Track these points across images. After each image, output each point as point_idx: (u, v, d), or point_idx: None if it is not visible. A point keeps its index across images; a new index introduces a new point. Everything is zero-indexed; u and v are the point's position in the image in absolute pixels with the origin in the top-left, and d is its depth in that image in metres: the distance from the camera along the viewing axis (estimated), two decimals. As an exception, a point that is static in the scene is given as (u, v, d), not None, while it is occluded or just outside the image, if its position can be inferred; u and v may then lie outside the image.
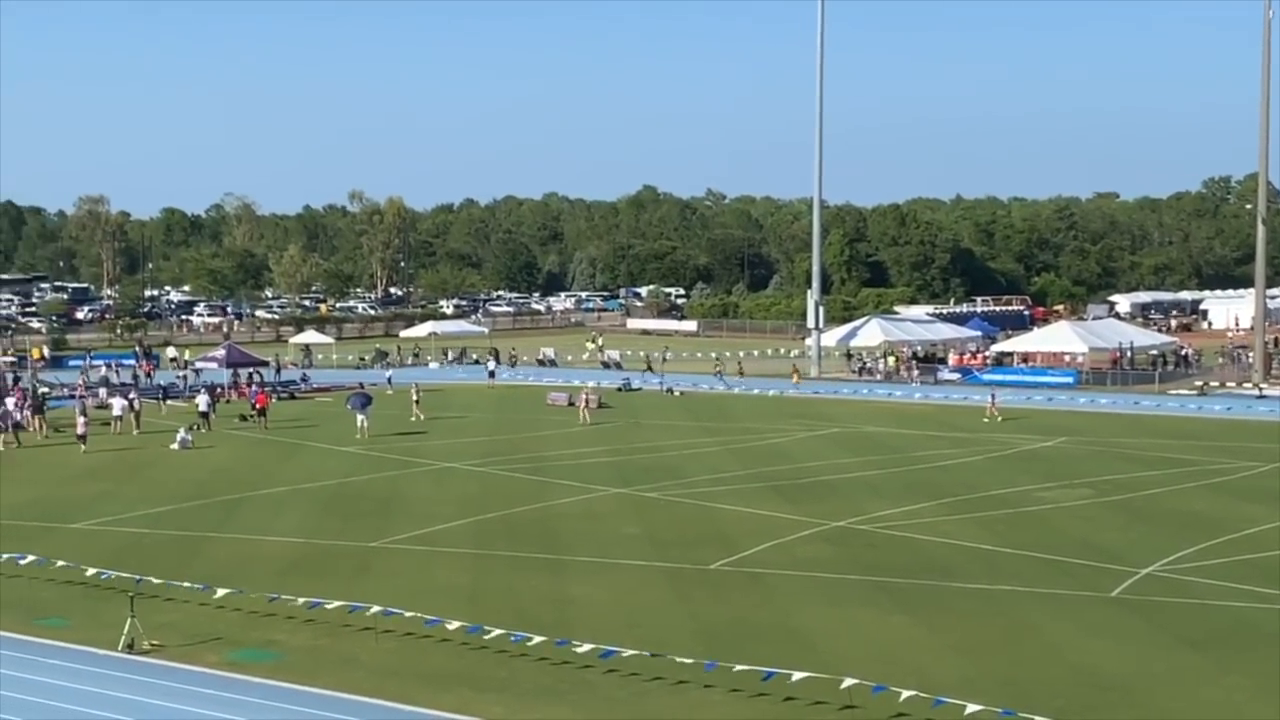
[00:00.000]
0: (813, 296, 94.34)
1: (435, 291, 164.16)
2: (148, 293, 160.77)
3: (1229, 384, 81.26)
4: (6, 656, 27.58)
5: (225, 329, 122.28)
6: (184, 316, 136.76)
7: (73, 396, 68.63)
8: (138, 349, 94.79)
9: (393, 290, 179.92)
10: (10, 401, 60.61)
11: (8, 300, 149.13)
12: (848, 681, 24.24)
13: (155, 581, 31.82)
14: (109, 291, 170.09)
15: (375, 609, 29.10)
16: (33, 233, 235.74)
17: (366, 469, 51.16)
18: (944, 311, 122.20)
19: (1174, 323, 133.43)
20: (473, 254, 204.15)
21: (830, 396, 77.98)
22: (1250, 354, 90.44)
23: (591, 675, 26.24)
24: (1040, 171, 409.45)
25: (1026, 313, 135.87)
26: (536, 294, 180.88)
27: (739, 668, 25.31)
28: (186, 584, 31.73)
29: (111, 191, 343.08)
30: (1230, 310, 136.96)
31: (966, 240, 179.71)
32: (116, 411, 61.40)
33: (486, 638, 27.67)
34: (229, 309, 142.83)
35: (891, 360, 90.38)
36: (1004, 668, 26.79)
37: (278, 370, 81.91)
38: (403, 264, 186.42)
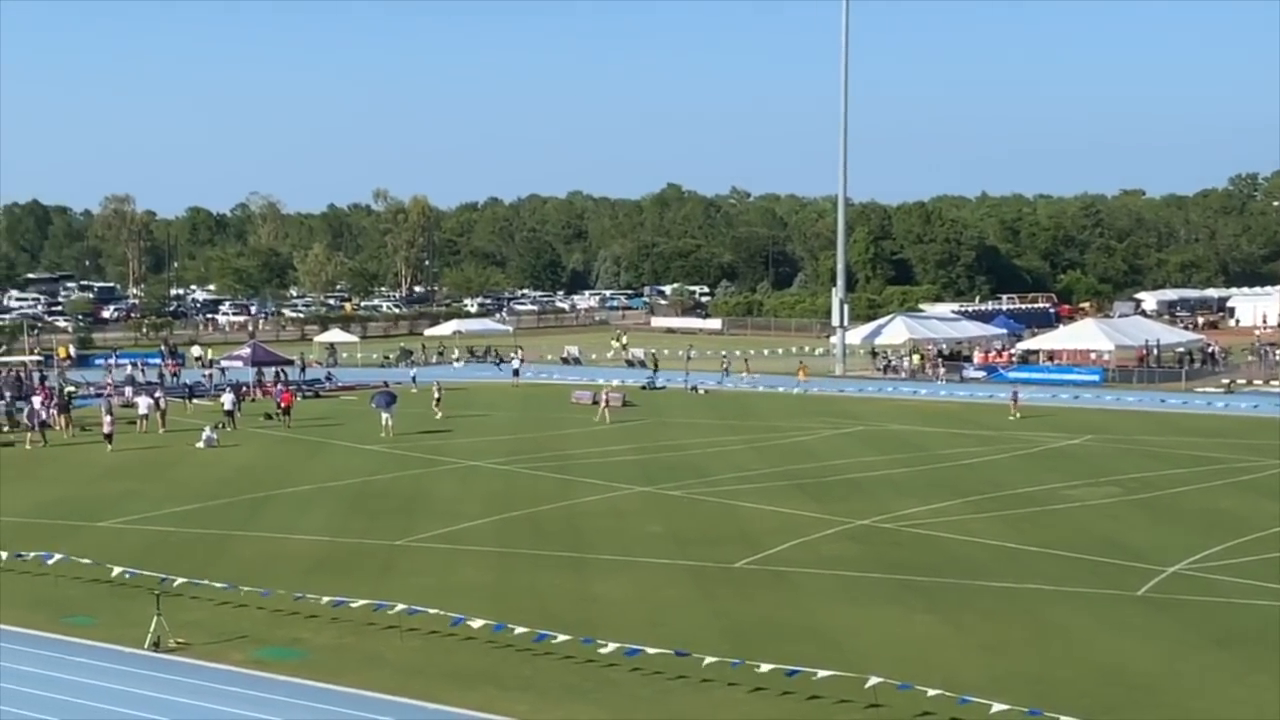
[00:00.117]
0: (837, 294, 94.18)
1: (459, 290, 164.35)
2: (173, 292, 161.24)
3: (1256, 381, 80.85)
4: (34, 654, 27.71)
5: (250, 328, 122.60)
6: (209, 315, 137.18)
7: (99, 395, 68.98)
8: (163, 348, 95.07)
9: (417, 289, 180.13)
10: (37, 400, 60.86)
11: (34, 299, 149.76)
12: (873, 680, 24.19)
13: (181, 580, 31.95)
14: (135, 290, 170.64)
15: (400, 607, 29.14)
16: (59, 232, 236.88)
17: (391, 467, 51.23)
18: (969, 309, 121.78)
19: (1200, 320, 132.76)
20: (497, 252, 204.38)
21: (855, 394, 77.83)
22: (1278, 351, 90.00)
23: (616, 674, 26.23)
24: (1066, 169, 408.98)
25: (1052, 310, 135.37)
26: (561, 292, 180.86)
27: (763, 666, 25.26)
28: (212, 582, 31.82)
29: (137, 191, 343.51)
30: (1257, 307, 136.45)
31: (992, 238, 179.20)
32: (142, 410, 61.62)
33: (511, 636, 27.68)
34: (254, 308, 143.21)
35: (916, 358, 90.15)
36: (1030, 666, 26.70)
37: (302, 369, 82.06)
38: (427, 262, 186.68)
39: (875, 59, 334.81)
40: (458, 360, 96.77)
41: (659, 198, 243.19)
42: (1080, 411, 68.73)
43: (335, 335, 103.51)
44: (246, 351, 79.12)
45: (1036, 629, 29.29)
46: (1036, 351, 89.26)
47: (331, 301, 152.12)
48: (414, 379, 79.32)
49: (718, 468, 50.74)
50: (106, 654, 27.84)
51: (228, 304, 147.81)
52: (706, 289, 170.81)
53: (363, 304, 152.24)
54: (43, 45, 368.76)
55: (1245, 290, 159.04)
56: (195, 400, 70.50)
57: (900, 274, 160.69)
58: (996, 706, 22.64)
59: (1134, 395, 75.18)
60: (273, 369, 77.66)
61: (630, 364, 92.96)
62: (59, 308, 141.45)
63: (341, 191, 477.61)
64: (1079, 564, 35.06)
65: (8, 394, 66.18)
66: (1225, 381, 79.96)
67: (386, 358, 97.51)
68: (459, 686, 25.62)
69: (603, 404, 65.78)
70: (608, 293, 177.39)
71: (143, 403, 62.42)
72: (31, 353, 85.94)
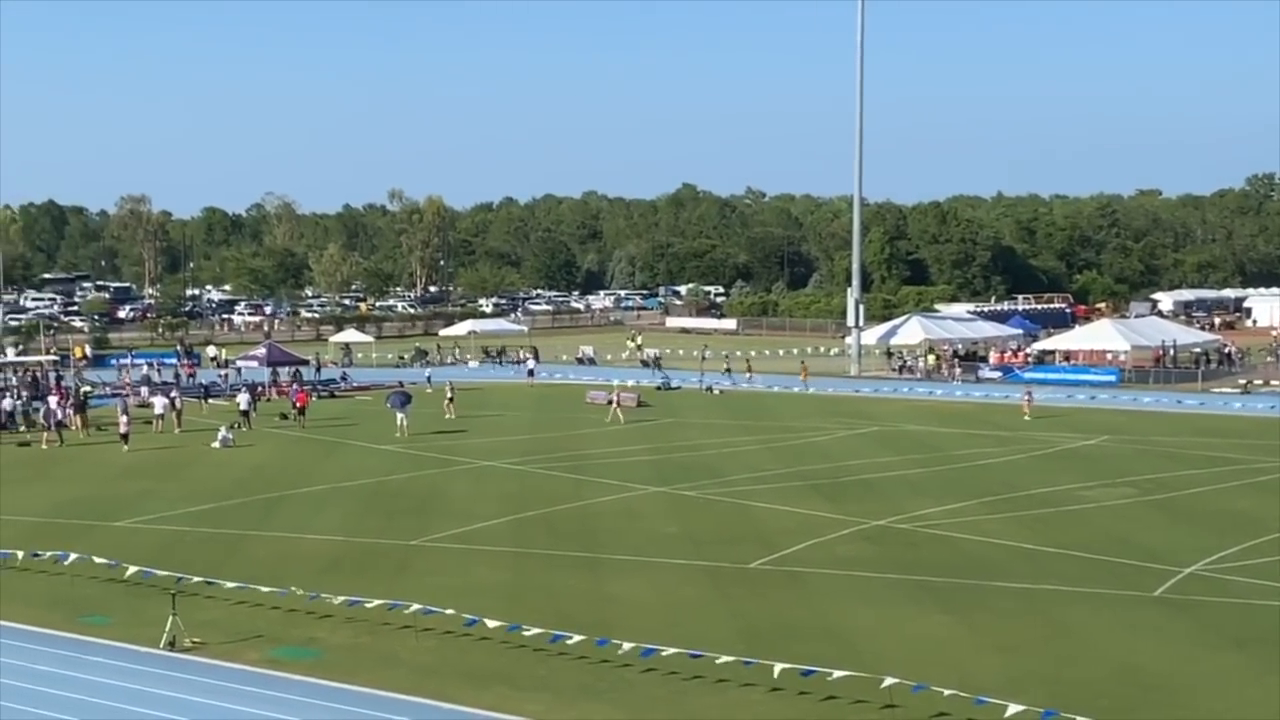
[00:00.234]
0: (853, 294, 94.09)
1: (474, 290, 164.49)
2: (189, 292, 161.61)
3: (1273, 382, 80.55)
4: (50, 653, 27.78)
5: (266, 328, 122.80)
6: (225, 315, 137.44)
7: (116, 395, 69.14)
8: (179, 348, 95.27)
9: (432, 289, 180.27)
10: (53, 400, 61.01)
11: (50, 299, 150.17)
12: (888, 681, 24.14)
13: (196, 579, 32.04)
14: (150, 290, 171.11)
15: (415, 607, 29.17)
16: (75, 232, 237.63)
17: (406, 467, 51.28)
18: (985, 309, 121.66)
19: (1217, 320, 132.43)
20: (512, 252, 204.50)
21: (870, 395, 77.75)
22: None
23: (631, 674, 26.22)
24: (1082, 169, 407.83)
25: (1068, 310, 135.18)
26: (575, 292, 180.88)
27: (779, 666, 25.22)
28: (227, 582, 31.87)
29: (153, 191, 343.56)
30: (1274, 308, 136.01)
31: (1008, 238, 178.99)
32: (158, 410, 61.74)
33: (526, 636, 27.69)
34: (269, 308, 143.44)
35: (931, 358, 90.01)
36: (1046, 667, 26.64)
37: (318, 369, 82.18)
38: (442, 263, 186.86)
39: (891, 58, 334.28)
40: (472, 360, 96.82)
41: (674, 198, 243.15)
42: (1096, 412, 68.58)
43: (350, 335, 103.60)
44: (262, 352, 79.24)
45: (1052, 630, 29.23)
46: (1052, 352, 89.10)
47: (347, 302, 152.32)
48: (429, 379, 79.36)
49: (733, 468, 50.71)
50: (122, 653, 27.90)
51: (243, 304, 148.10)
52: (721, 289, 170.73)
53: (378, 304, 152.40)
54: (60, 46, 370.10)
55: (1262, 290, 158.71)
56: (211, 400, 70.63)
57: (916, 274, 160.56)
58: (1013, 707, 22.58)
59: (1150, 396, 74.98)
60: (288, 369, 77.79)
61: (645, 364, 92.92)
62: (75, 308, 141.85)
63: (357, 192, 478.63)
64: (1095, 565, 34.98)
65: (24, 394, 66.39)
66: (1242, 382, 79.73)
67: (401, 358, 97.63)
68: (474, 686, 25.63)
69: (614, 404, 65.79)
70: (623, 293, 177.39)
71: (158, 403, 62.55)
72: (48, 352, 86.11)
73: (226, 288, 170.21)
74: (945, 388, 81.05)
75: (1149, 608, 31.11)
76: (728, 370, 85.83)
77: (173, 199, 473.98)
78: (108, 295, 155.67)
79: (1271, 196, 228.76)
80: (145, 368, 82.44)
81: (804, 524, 40.25)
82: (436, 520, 41.01)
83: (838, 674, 24.53)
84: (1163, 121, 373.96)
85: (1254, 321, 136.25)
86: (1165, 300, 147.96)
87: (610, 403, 66.39)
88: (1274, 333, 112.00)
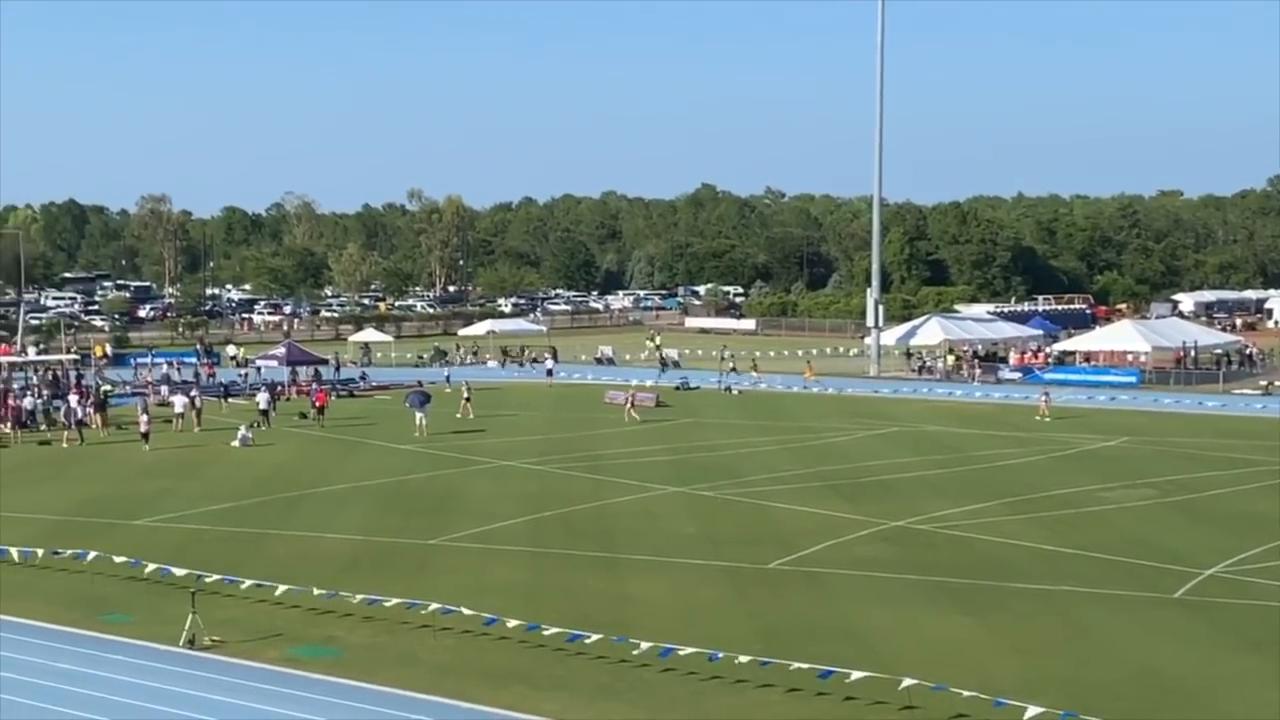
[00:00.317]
0: (872, 295, 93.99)
1: (493, 290, 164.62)
2: (209, 291, 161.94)
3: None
4: (71, 651, 27.89)
5: (285, 327, 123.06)
6: (244, 315, 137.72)
7: (136, 394, 69.34)
8: (199, 347, 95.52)
9: (451, 288, 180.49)
10: (73, 399, 61.19)
11: (71, 298, 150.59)
12: (907, 682, 24.12)
13: (216, 578, 32.09)
14: (170, 290, 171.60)
15: (434, 606, 29.20)
16: (96, 231, 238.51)
17: (425, 467, 51.34)
18: (1005, 310, 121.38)
19: (1238, 321, 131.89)
20: (531, 252, 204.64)
21: (889, 395, 77.65)
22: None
23: (649, 674, 26.22)
24: (1103, 169, 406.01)
25: (1089, 311, 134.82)
26: (594, 292, 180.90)
27: (797, 667, 25.22)
28: (247, 580, 31.93)
29: (173, 191, 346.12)
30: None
31: (1028, 238, 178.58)
32: (178, 409, 61.91)
33: (544, 635, 27.71)
34: (289, 307, 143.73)
35: (951, 359, 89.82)
36: (1065, 669, 26.58)
37: (337, 368, 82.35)
38: (461, 262, 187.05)
39: (911, 58, 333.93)
40: (491, 361, 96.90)
41: (693, 198, 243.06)
42: (1117, 413, 68.40)
43: (370, 335, 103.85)
44: (281, 351, 79.43)
45: (1071, 631, 29.16)
46: (1073, 352, 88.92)
47: (366, 301, 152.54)
48: (448, 379, 79.45)
49: (751, 468, 50.68)
50: (142, 651, 27.98)
51: (263, 303, 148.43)
52: (741, 289, 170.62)
53: (397, 304, 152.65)
54: (80, 46, 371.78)
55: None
56: (230, 399, 70.78)
57: (935, 274, 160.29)
58: (1031, 709, 22.53)
59: (1171, 397, 74.75)
60: (307, 368, 77.93)
61: (664, 364, 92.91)
62: (96, 307, 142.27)
63: (376, 191, 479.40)
64: (1114, 566, 34.89)
65: (45, 392, 66.60)
66: (1263, 383, 79.38)
67: (420, 357, 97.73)
68: (492, 685, 25.66)
69: (628, 404, 65.79)
70: (641, 293, 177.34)
71: (179, 402, 62.73)
72: (68, 351, 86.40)
73: (246, 287, 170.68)
74: (965, 388, 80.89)
75: (1168, 610, 31.02)
76: (733, 370, 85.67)
77: (193, 198, 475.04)
78: (128, 294, 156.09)
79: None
80: (165, 367, 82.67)
81: (823, 525, 40.21)
82: (455, 520, 41.05)
83: (856, 675, 24.51)
84: (1184, 122, 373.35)
85: (1275, 322, 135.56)
86: (1186, 301, 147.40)
87: (626, 402, 66.40)
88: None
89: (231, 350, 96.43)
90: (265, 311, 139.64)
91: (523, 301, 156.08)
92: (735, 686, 25.48)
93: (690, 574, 34.35)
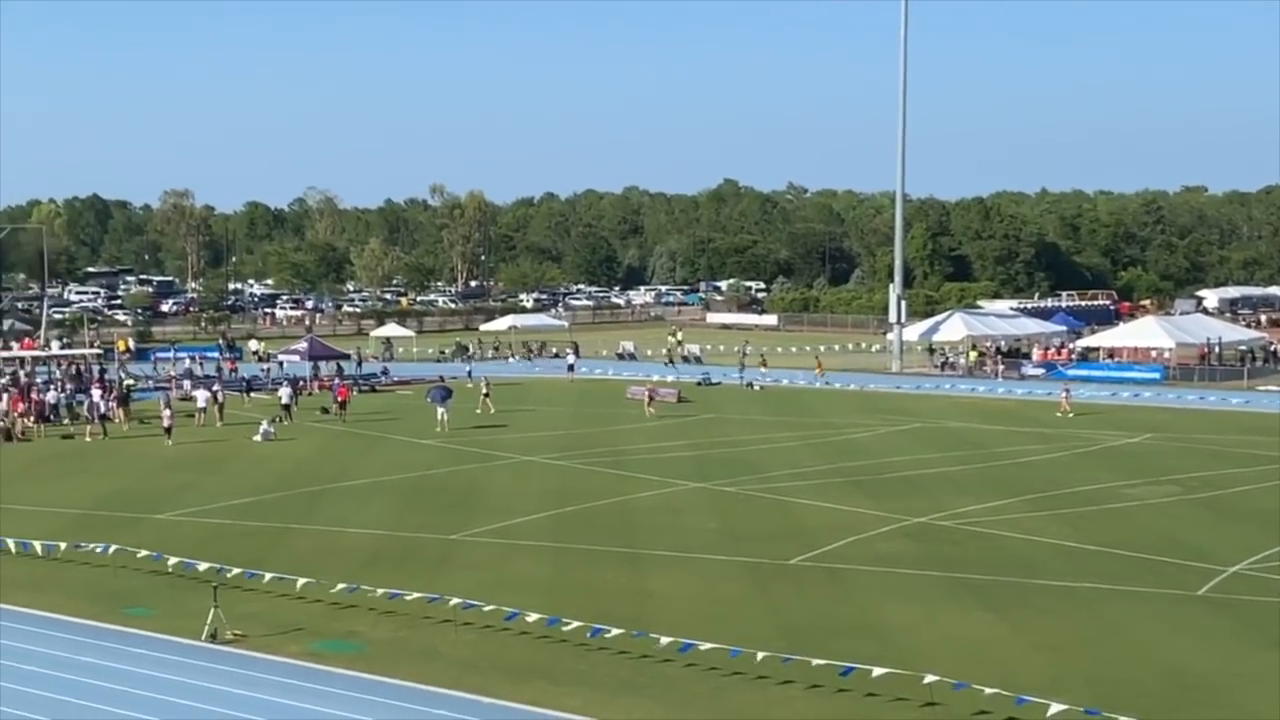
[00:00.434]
0: (895, 290, 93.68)
1: (515, 285, 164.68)
2: (231, 286, 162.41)
3: (1319, 380, 79.90)
4: (94, 645, 27.99)
5: (307, 322, 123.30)
6: (267, 310, 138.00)
7: (159, 389, 69.52)
8: (221, 342, 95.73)
9: (473, 284, 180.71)
10: (96, 393, 61.38)
11: (94, 293, 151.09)
12: (929, 678, 24.05)
13: (238, 572, 32.17)
14: (193, 285, 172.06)
15: (455, 601, 29.22)
16: (119, 226, 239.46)
17: (446, 462, 51.36)
18: (1028, 306, 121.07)
19: (1263, 318, 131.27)
20: (553, 248, 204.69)
21: (912, 391, 77.46)
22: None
23: (670, 669, 26.19)
24: (1127, 165, 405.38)
25: (1112, 307, 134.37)
26: (616, 288, 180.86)
27: (818, 663, 25.17)
28: (269, 575, 31.98)
29: (196, 186, 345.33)
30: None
31: (1052, 234, 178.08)
32: (200, 404, 62.06)
33: (565, 631, 27.70)
34: (311, 302, 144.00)
35: (973, 354, 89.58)
36: (1088, 666, 26.48)
37: (359, 363, 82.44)
38: (483, 257, 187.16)
39: (934, 53, 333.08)
40: (513, 356, 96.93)
41: (715, 193, 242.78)
42: (1140, 410, 68.14)
43: (391, 330, 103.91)
44: (303, 346, 79.43)
45: (1095, 628, 29.06)
46: (1096, 349, 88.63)
47: (388, 296, 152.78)
48: (469, 374, 79.46)
49: (773, 464, 50.60)
50: (165, 645, 28.07)
51: (285, 298, 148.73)
52: (763, 285, 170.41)
53: (419, 299, 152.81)
54: (104, 41, 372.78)
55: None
56: (253, 394, 70.90)
57: (958, 270, 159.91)
58: (1055, 706, 22.45)
59: (1195, 394, 74.42)
60: (329, 363, 78.04)
61: (686, 359, 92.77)
62: (118, 301, 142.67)
63: (398, 187, 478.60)
64: (1138, 563, 34.75)
65: (68, 387, 66.82)
66: (1288, 380, 79.03)
67: (442, 353, 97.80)
68: (513, 681, 25.65)
69: (646, 399, 65.75)
70: (663, 288, 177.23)
71: (201, 396, 62.88)
72: (91, 346, 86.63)
73: (268, 282, 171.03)
74: (988, 384, 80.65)
75: (1192, 607, 30.89)
76: (742, 365, 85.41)
77: (215, 193, 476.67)
78: (151, 289, 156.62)
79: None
80: (187, 361, 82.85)
81: (845, 521, 40.13)
82: (477, 515, 41.07)
83: (878, 671, 24.45)
84: (1208, 118, 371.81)
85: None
86: (1211, 297, 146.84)
87: (653, 398, 66.34)
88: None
89: (254, 345, 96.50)
90: (287, 306, 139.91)
91: (544, 297, 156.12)
92: (756, 683, 25.44)
93: (711, 569, 34.32)
